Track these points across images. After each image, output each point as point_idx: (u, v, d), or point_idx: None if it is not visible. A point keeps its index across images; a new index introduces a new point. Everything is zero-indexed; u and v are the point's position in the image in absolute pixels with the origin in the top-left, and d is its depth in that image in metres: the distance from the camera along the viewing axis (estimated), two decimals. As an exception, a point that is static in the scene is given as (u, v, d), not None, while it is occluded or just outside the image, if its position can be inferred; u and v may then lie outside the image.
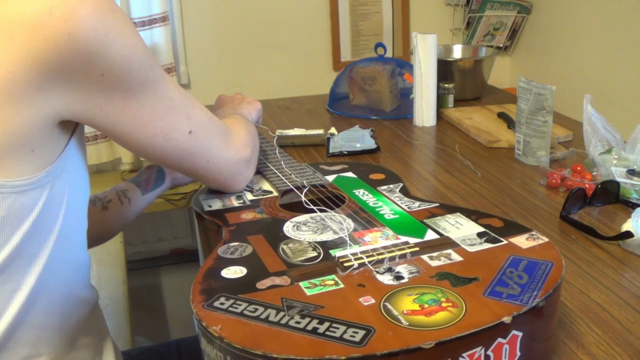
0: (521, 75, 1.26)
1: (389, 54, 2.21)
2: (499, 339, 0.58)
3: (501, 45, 2.36)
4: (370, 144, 1.35)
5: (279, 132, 1.41)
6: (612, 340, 0.70)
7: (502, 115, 1.52)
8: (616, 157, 1.12)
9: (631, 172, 1.08)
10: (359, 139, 1.37)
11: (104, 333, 0.84)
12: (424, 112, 1.53)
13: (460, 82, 1.72)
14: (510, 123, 1.44)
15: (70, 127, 0.70)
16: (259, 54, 2.25)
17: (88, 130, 1.77)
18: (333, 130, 1.42)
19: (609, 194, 1.05)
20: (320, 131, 1.42)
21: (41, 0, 0.60)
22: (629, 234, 0.88)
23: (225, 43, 2.21)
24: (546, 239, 0.74)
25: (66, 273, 0.72)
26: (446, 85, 1.64)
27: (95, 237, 0.80)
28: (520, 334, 0.59)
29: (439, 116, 1.57)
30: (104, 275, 1.71)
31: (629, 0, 1.85)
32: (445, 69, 1.68)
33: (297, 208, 0.88)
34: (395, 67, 1.65)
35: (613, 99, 1.89)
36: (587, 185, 1.06)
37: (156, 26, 2.00)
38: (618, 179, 1.06)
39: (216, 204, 0.91)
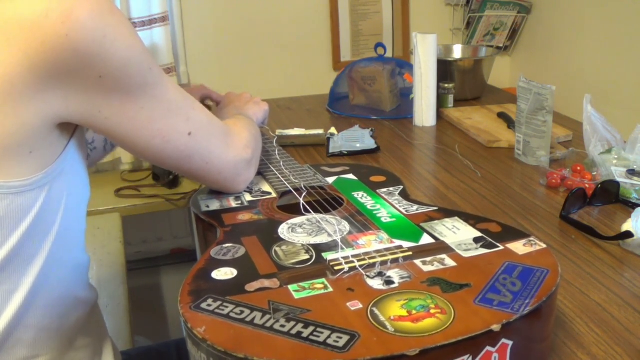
0: (521, 75, 1.26)
1: (389, 54, 2.21)
2: (488, 348, 0.57)
3: (501, 45, 2.35)
4: (370, 144, 1.35)
5: (279, 132, 1.41)
6: (612, 340, 0.70)
7: (502, 115, 1.52)
8: (616, 157, 1.12)
9: (631, 172, 1.08)
10: (359, 139, 1.37)
11: (103, 333, 0.84)
12: (424, 112, 1.53)
13: (460, 82, 1.72)
14: (510, 123, 1.44)
15: (70, 129, 0.69)
16: (259, 54, 2.24)
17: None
18: (333, 130, 1.42)
19: (609, 194, 1.05)
20: (320, 131, 1.41)
21: (38, 2, 0.60)
22: (629, 234, 0.88)
23: (225, 43, 2.21)
24: (544, 245, 0.73)
25: (64, 274, 0.72)
26: (446, 85, 1.64)
27: None
28: (510, 342, 0.58)
29: (439, 116, 1.57)
30: (104, 275, 1.71)
31: (629, 1, 1.84)
32: (445, 69, 1.68)
33: (296, 210, 0.87)
34: (395, 67, 1.65)
35: (613, 99, 1.89)
36: (587, 185, 1.06)
37: (156, 26, 2.00)
38: (618, 179, 1.06)
39: (214, 205, 0.91)
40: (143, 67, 0.70)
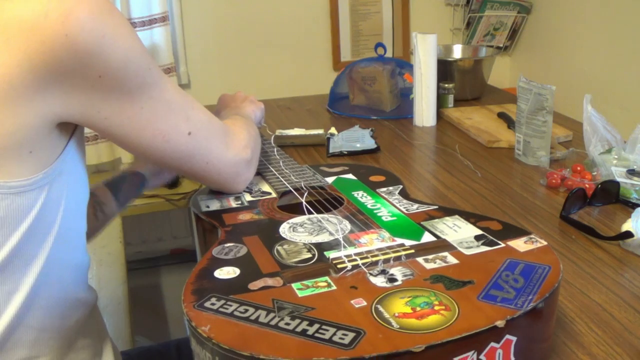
0: (521, 75, 1.26)
1: (389, 54, 2.21)
2: (492, 344, 0.57)
3: (501, 45, 2.35)
4: (370, 144, 1.35)
5: (278, 132, 1.41)
6: (612, 341, 0.70)
7: (502, 115, 1.52)
8: (616, 157, 1.12)
9: (631, 172, 1.08)
10: (359, 139, 1.37)
11: (103, 334, 0.84)
12: (424, 112, 1.53)
13: (460, 82, 1.72)
14: (510, 123, 1.44)
15: (69, 129, 0.69)
16: (259, 54, 2.25)
17: (88, 130, 1.77)
18: (333, 130, 1.42)
19: (609, 194, 1.05)
20: (320, 131, 1.41)
21: (38, 3, 0.60)
22: (629, 234, 0.88)
23: (225, 43, 2.21)
24: (545, 243, 0.73)
25: (65, 274, 0.72)
26: (446, 85, 1.64)
27: None
28: (514, 338, 0.58)
29: (439, 116, 1.57)
30: (104, 275, 1.71)
31: (629, 1, 1.84)
32: (445, 69, 1.68)
33: (295, 209, 0.88)
34: (395, 67, 1.65)
35: (613, 99, 1.89)
36: (587, 185, 1.06)
37: (156, 26, 2.00)
38: (618, 179, 1.06)
39: (214, 205, 0.91)
40: (142, 67, 0.70)
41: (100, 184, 0.99)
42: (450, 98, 1.65)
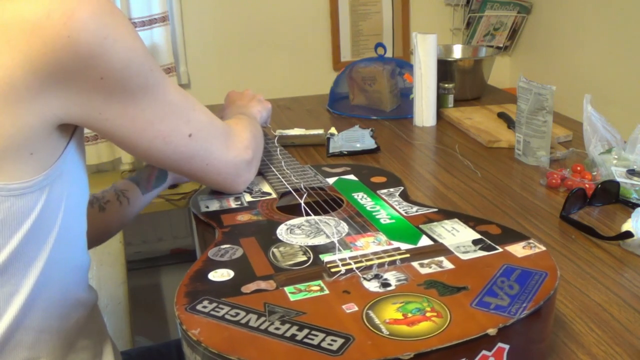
0: (521, 75, 1.25)
1: (389, 54, 2.21)
2: (484, 352, 0.56)
3: (501, 45, 2.35)
4: (370, 144, 1.35)
5: (279, 132, 1.41)
6: (612, 340, 0.70)
7: (502, 115, 1.52)
8: (616, 157, 1.12)
9: (631, 172, 1.08)
10: (359, 139, 1.37)
11: (103, 335, 0.84)
12: (424, 112, 1.53)
13: (460, 82, 1.72)
14: (510, 123, 1.44)
15: (69, 130, 0.69)
16: (259, 54, 2.24)
17: (88, 130, 1.77)
18: (333, 130, 1.42)
19: (609, 194, 1.05)
20: (320, 131, 1.42)
21: (40, 3, 0.60)
22: (629, 234, 0.88)
23: (225, 43, 2.21)
24: (543, 248, 0.72)
25: (65, 275, 0.72)
26: (446, 85, 1.64)
27: (94, 238, 0.80)
28: (506, 346, 0.57)
29: (439, 116, 1.57)
30: (104, 275, 1.71)
31: (629, 1, 1.84)
32: (445, 69, 1.68)
33: (295, 211, 0.87)
34: (395, 67, 1.65)
35: (613, 99, 1.89)
36: (587, 185, 1.06)
37: (156, 26, 2.00)
38: (618, 179, 1.06)
39: (214, 205, 0.90)
40: (144, 68, 0.69)
41: (124, 180, 1.05)
42: (450, 98, 1.65)
